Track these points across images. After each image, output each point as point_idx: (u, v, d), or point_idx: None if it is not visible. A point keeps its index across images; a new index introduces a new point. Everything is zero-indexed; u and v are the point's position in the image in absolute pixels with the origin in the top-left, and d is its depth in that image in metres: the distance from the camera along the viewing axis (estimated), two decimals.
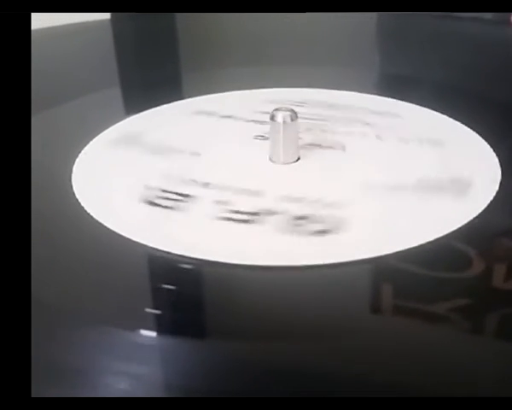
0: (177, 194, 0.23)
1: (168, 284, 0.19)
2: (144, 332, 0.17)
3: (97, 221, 0.21)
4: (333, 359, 0.16)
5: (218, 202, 0.22)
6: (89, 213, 0.22)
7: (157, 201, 0.23)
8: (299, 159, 0.25)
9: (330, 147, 0.26)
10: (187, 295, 0.19)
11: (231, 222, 0.21)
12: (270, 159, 0.25)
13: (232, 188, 0.23)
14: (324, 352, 0.16)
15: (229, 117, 0.29)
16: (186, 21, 0.40)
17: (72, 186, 0.24)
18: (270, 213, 0.22)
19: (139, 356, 0.16)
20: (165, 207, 0.22)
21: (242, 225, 0.21)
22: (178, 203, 0.22)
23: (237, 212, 0.22)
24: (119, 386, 0.15)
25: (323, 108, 0.29)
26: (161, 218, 0.22)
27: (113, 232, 0.21)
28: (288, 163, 0.24)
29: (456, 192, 0.22)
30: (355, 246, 0.20)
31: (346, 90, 0.30)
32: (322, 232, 0.21)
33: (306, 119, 0.27)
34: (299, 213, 0.22)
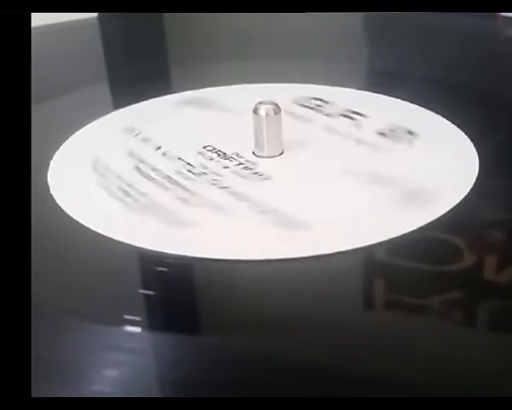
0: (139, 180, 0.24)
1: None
2: (139, 329, 0.17)
3: (67, 213, 0.22)
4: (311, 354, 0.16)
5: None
6: (60, 207, 0.22)
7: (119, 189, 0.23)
8: (282, 153, 0.25)
9: (318, 143, 0.26)
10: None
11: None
12: (254, 152, 0.25)
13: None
14: (313, 346, 0.17)
15: (218, 109, 0.29)
16: (173, 17, 0.40)
17: (47, 179, 0.24)
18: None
19: (138, 354, 0.16)
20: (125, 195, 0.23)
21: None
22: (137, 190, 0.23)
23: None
24: (118, 385, 0.15)
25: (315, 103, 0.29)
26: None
27: (77, 222, 0.21)
28: (271, 157, 0.25)
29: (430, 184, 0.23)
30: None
31: (337, 85, 0.30)
32: None
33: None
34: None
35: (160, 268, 0.19)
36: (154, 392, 0.16)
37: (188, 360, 0.16)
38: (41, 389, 0.15)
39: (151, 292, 0.19)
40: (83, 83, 0.31)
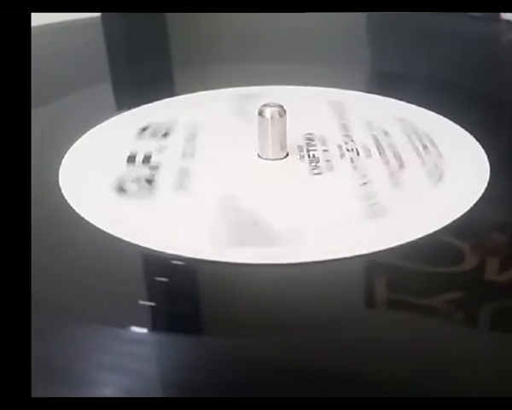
0: (147, 182, 0.23)
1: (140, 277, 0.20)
2: (139, 330, 0.17)
3: (79, 215, 0.22)
4: (319, 354, 0.16)
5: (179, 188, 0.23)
6: (72, 208, 0.22)
7: (129, 190, 0.23)
8: (287, 155, 0.25)
9: (325, 147, 0.26)
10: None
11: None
12: (259, 155, 0.25)
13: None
14: (316, 347, 0.16)
15: (220, 113, 0.29)
16: (177, 18, 0.40)
17: (58, 181, 0.24)
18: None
19: (138, 354, 0.16)
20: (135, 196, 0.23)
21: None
22: (145, 192, 0.23)
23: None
24: (118, 385, 0.15)
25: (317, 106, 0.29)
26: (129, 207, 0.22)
27: (88, 222, 0.21)
28: (276, 159, 0.24)
29: (443, 190, 0.23)
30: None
31: (339, 87, 0.30)
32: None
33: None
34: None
35: (166, 271, 0.19)
36: (156, 393, 0.15)
37: (191, 361, 0.16)
38: (41, 389, 0.15)
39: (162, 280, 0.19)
40: (85, 84, 0.31)
